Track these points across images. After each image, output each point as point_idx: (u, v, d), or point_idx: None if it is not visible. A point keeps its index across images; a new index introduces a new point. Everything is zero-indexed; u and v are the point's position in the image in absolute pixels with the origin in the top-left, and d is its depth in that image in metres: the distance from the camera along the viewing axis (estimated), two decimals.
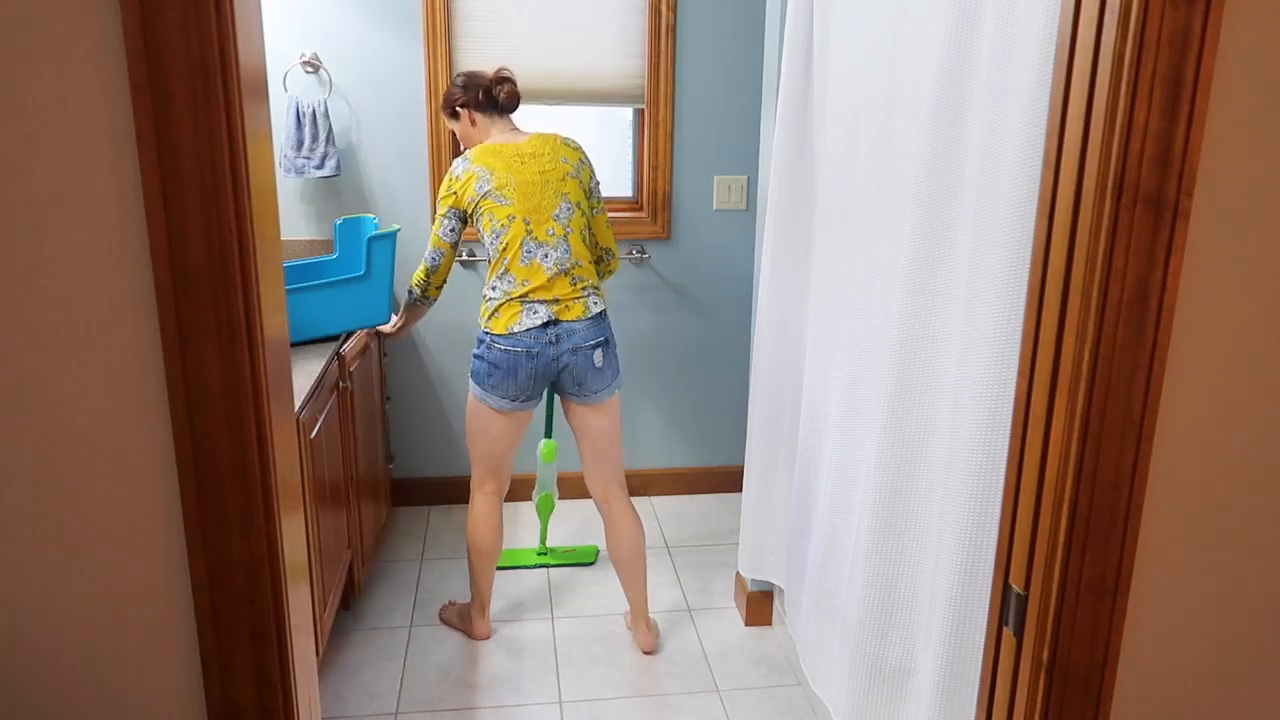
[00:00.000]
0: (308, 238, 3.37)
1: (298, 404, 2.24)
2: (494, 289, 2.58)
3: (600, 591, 3.13)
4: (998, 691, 1.32)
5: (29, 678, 1.25)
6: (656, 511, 3.71)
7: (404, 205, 3.40)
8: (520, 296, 2.54)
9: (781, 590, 2.81)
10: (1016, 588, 1.26)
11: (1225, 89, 1.06)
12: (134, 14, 1.04)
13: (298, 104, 3.16)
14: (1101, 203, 1.07)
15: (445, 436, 3.66)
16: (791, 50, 2.29)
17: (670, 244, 3.58)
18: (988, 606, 1.35)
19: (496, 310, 2.57)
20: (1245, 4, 1.03)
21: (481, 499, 2.76)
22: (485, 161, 2.59)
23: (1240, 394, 1.16)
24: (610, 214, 3.59)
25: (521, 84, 3.38)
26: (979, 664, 1.38)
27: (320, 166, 3.20)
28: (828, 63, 2.15)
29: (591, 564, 3.29)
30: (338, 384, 2.68)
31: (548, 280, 2.53)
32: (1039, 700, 1.23)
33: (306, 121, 3.17)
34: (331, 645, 2.78)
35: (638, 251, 3.58)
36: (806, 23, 2.24)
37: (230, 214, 1.11)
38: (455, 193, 2.60)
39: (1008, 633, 1.28)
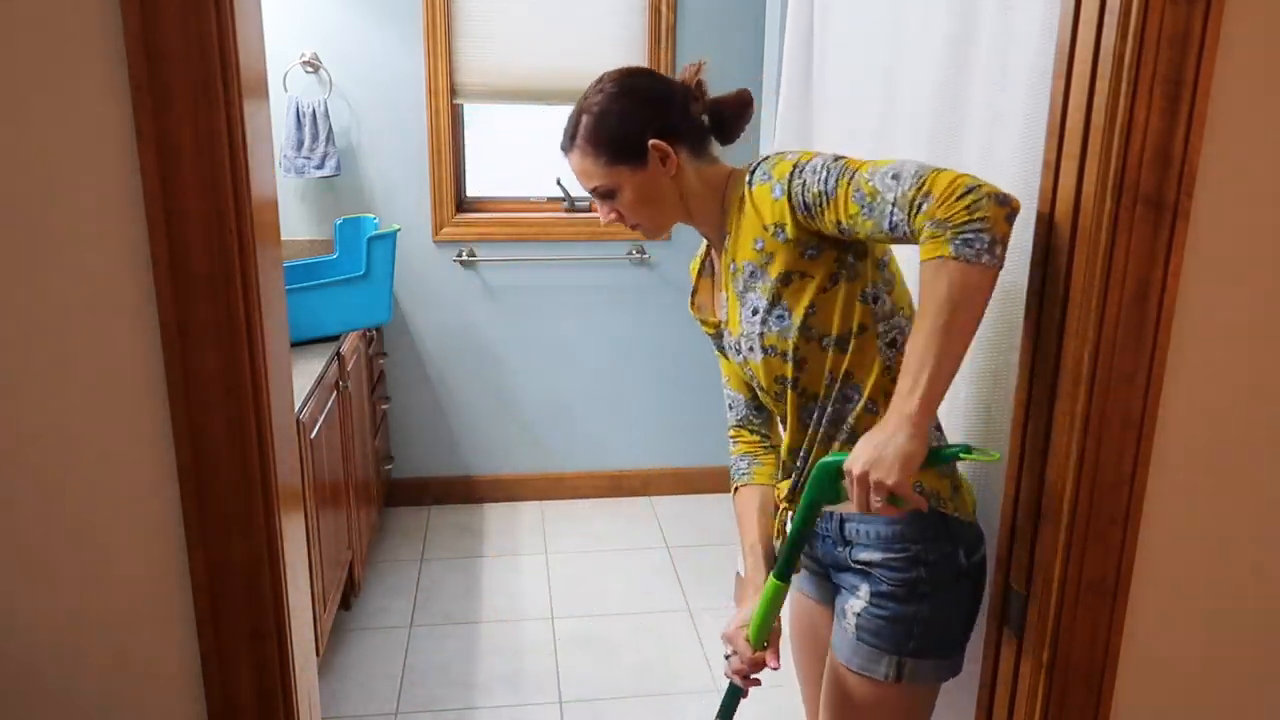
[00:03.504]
0: (308, 238, 3.37)
1: (298, 404, 2.24)
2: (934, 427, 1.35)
3: (601, 591, 3.14)
4: (998, 691, 1.32)
5: (29, 677, 1.24)
6: (657, 511, 3.71)
7: (404, 205, 3.40)
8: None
9: None
10: (1016, 588, 1.26)
11: (1225, 89, 1.05)
12: (134, 14, 1.04)
13: (298, 104, 3.16)
14: (1101, 203, 1.07)
15: (445, 436, 3.66)
16: (792, 50, 2.29)
17: (671, 243, 3.57)
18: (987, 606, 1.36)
19: (950, 465, 1.37)
20: (1245, 4, 1.03)
21: None
22: None
23: (1240, 394, 1.16)
24: None
25: (521, 84, 3.39)
26: (978, 664, 1.37)
27: (320, 166, 3.20)
28: (827, 63, 2.15)
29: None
30: (338, 384, 2.68)
31: None
32: (1039, 700, 1.23)
33: (306, 121, 3.17)
34: (331, 645, 2.78)
35: (638, 251, 3.58)
36: (807, 23, 2.24)
37: (230, 214, 1.11)
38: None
39: (1008, 633, 1.28)
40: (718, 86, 1.48)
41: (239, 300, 1.13)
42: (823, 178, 1.25)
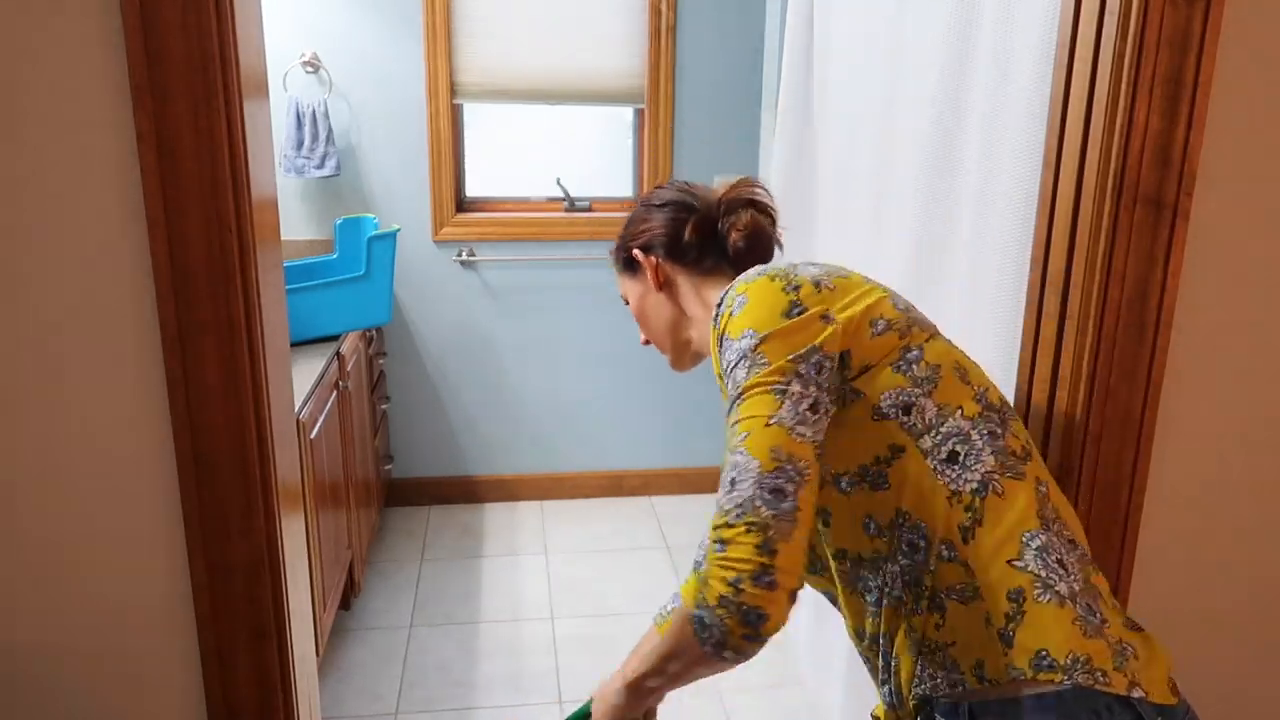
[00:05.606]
0: (308, 238, 3.37)
1: (298, 404, 2.24)
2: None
3: (601, 591, 3.14)
4: None
5: (30, 678, 1.24)
6: (657, 511, 3.71)
7: (404, 205, 3.40)
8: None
9: None
10: None
11: (1225, 89, 1.06)
12: (134, 14, 1.04)
13: (298, 104, 3.16)
14: (1101, 203, 1.07)
15: (445, 437, 3.66)
16: (792, 50, 2.29)
17: None
18: None
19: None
20: (1245, 4, 1.03)
21: None
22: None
23: (1240, 394, 1.16)
24: (611, 214, 3.58)
25: (521, 84, 3.39)
26: None
27: (320, 166, 3.20)
28: (828, 63, 2.15)
29: None
30: (337, 384, 2.68)
31: None
32: None
33: (306, 121, 3.17)
34: (331, 645, 2.78)
35: None
36: (807, 23, 2.24)
37: (230, 214, 1.11)
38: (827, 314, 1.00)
39: None
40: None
41: (239, 300, 1.13)
42: (733, 381, 0.99)
